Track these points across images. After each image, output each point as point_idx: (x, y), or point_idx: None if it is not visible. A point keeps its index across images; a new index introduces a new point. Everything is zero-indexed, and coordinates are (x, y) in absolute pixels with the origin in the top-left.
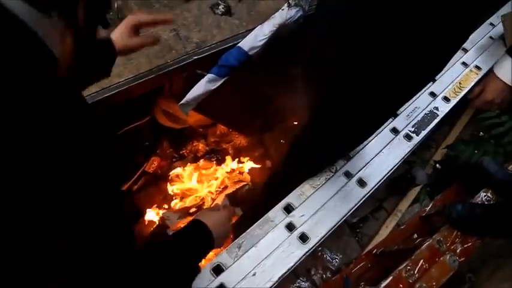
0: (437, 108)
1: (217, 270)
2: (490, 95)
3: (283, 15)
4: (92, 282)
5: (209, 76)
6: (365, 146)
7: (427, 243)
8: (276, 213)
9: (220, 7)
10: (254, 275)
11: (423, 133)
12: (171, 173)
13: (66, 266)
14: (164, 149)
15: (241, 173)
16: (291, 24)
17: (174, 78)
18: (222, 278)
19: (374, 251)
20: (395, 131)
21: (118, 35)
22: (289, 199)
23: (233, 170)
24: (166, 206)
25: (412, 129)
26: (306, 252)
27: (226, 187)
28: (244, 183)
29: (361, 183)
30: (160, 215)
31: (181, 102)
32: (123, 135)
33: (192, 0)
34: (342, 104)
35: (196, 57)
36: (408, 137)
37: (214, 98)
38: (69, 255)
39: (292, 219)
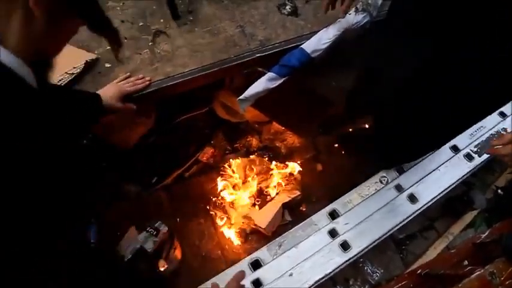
0: (505, 130)
1: (256, 265)
2: None
3: (350, 19)
4: None
5: (270, 75)
6: (421, 161)
7: (478, 272)
8: (320, 217)
9: (287, 7)
10: (291, 275)
11: (486, 155)
12: (223, 165)
13: None
14: (219, 140)
15: (291, 174)
16: (357, 29)
17: (235, 74)
18: (258, 274)
19: (419, 271)
20: (455, 148)
21: (109, 95)
22: (335, 205)
23: (285, 167)
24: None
25: (475, 149)
26: (346, 261)
27: (277, 193)
28: (298, 193)
29: (412, 199)
30: None
31: (240, 97)
32: (180, 123)
33: None
34: (412, 111)
35: (259, 54)
36: (469, 157)
37: (273, 96)
38: None
39: (336, 225)
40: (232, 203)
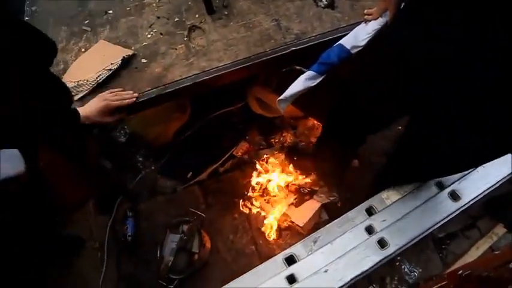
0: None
1: (290, 260)
2: None
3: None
4: None
5: (309, 73)
6: None
7: None
8: (357, 213)
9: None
10: (326, 271)
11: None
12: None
13: None
14: (253, 135)
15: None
16: None
17: (270, 68)
18: (293, 269)
19: (459, 272)
20: None
21: (92, 111)
22: (372, 201)
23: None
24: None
25: None
26: (383, 259)
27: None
28: (336, 195)
29: (454, 196)
30: None
31: (280, 97)
32: (215, 118)
33: None
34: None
35: (294, 48)
36: None
37: (310, 93)
38: None
39: (372, 222)
40: (268, 200)
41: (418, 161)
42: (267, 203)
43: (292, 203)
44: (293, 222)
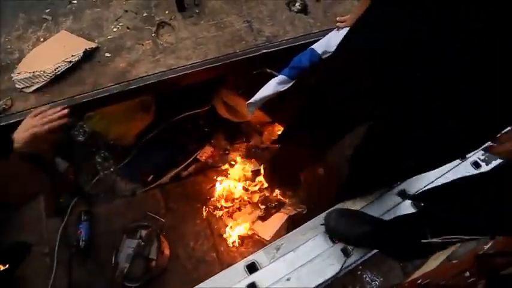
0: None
1: (252, 268)
2: None
3: None
4: None
5: (280, 77)
6: None
7: (480, 285)
8: (320, 220)
9: (297, 4)
10: (288, 279)
11: (493, 164)
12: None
13: None
14: (219, 139)
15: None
16: None
17: (240, 71)
18: (255, 277)
19: (419, 281)
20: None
21: (21, 146)
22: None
23: None
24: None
25: (482, 157)
26: (346, 267)
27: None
28: (304, 207)
29: (418, 206)
30: None
31: (249, 101)
32: (180, 120)
33: None
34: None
35: (265, 51)
36: (476, 165)
37: (278, 98)
38: None
39: None
40: (232, 209)
41: (393, 151)
42: (232, 212)
43: (258, 216)
44: (260, 237)
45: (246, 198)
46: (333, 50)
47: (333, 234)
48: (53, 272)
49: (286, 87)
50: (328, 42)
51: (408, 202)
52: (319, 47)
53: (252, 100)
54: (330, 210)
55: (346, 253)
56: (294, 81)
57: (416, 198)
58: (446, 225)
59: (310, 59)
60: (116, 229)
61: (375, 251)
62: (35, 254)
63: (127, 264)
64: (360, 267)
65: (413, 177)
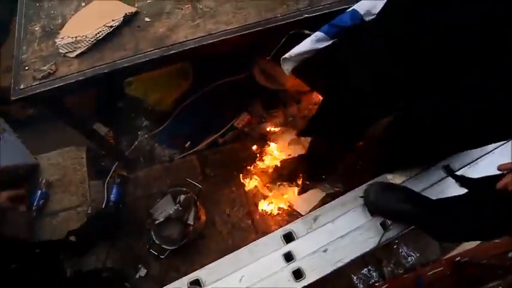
0: None
1: (289, 237)
2: None
3: None
4: None
5: (317, 34)
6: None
7: None
8: (360, 192)
9: None
10: (325, 251)
11: None
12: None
13: None
14: (256, 107)
15: None
16: None
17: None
18: (291, 247)
19: (457, 259)
20: None
21: None
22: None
23: None
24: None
25: None
26: (386, 240)
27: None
28: (341, 186)
29: (463, 182)
30: None
31: (285, 56)
32: (218, 87)
33: None
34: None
35: (307, 15)
36: None
37: (315, 64)
38: None
39: None
40: (269, 179)
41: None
42: (268, 181)
43: (295, 189)
44: (295, 210)
45: (282, 169)
46: (376, 11)
47: (372, 208)
48: None
49: (324, 46)
50: (373, 5)
51: (452, 180)
52: (362, 7)
53: (287, 55)
54: (370, 182)
55: (384, 227)
56: (332, 41)
57: (463, 182)
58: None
59: (351, 18)
60: (154, 193)
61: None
62: (79, 215)
63: (161, 218)
64: (396, 240)
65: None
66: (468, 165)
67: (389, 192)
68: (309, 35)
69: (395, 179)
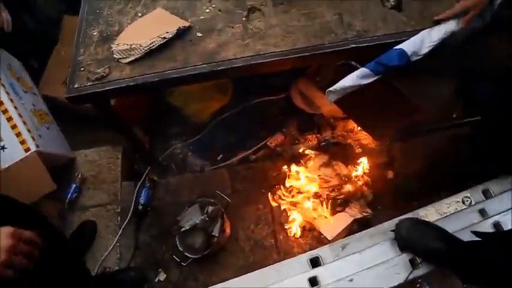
0: None
1: (315, 262)
2: None
3: (459, 22)
4: None
5: (363, 70)
6: None
7: None
8: (391, 225)
9: (391, 0)
10: (351, 280)
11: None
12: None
13: None
14: (290, 129)
15: (361, 178)
16: (464, 32)
17: (327, 62)
18: (317, 272)
19: None
20: None
21: None
22: (410, 216)
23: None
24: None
25: None
26: (413, 278)
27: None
28: (370, 212)
29: (498, 227)
30: None
31: (330, 88)
32: (256, 105)
33: None
34: None
35: (354, 45)
36: None
37: (354, 92)
38: None
39: None
40: (297, 201)
41: None
42: (296, 203)
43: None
44: (321, 234)
45: (312, 191)
46: (424, 52)
47: (403, 243)
48: (120, 231)
49: (368, 82)
50: (420, 44)
51: (489, 223)
52: (409, 47)
53: (332, 88)
54: (402, 218)
55: (413, 264)
56: (377, 77)
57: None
58: None
59: (399, 60)
60: (183, 201)
61: None
62: (108, 212)
63: (187, 226)
64: (419, 279)
65: (496, 198)
66: (505, 212)
67: (422, 229)
68: (356, 68)
69: (427, 217)
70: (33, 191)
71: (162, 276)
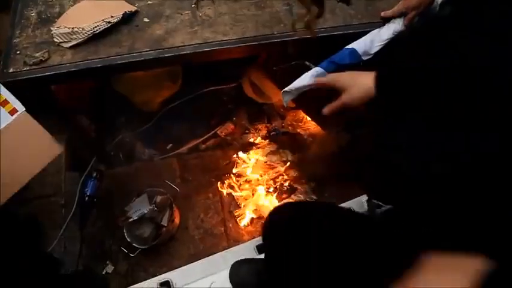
0: None
1: (261, 249)
2: None
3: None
4: None
5: (317, 69)
6: None
7: None
8: None
9: None
10: None
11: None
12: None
13: None
14: (241, 118)
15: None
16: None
17: (274, 51)
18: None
19: None
20: None
21: None
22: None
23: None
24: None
25: None
26: None
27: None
28: (314, 197)
29: None
30: None
31: (285, 89)
32: (205, 93)
33: None
34: None
35: (303, 36)
36: None
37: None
38: None
39: None
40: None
41: None
42: (245, 191)
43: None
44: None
45: (259, 179)
46: (374, 51)
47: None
48: (65, 223)
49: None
50: (369, 44)
51: None
52: (360, 47)
53: (287, 89)
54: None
55: None
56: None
57: None
58: None
59: (350, 59)
60: (131, 191)
61: None
62: (52, 205)
63: (135, 216)
64: None
65: None
66: None
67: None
68: (309, 67)
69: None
70: (36, 159)
71: (109, 269)
